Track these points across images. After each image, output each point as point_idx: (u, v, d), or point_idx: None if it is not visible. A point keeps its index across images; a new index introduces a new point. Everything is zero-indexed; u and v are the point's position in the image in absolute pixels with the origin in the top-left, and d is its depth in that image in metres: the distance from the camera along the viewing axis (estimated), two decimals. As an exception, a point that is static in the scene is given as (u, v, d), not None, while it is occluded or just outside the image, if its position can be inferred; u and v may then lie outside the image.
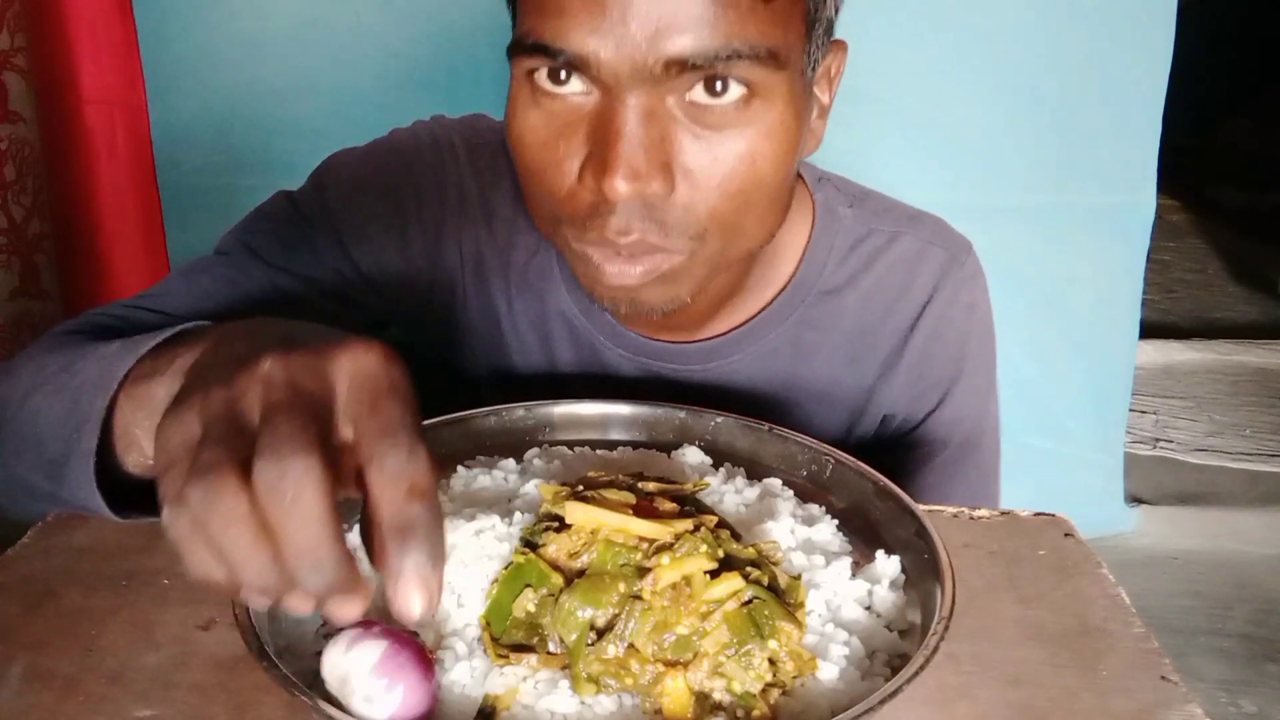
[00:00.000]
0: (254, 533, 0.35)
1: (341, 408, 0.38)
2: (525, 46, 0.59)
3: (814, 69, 0.64)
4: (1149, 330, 2.36)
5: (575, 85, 0.59)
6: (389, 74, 1.61)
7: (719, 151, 0.60)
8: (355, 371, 0.39)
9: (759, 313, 0.78)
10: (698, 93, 0.58)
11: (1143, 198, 1.72)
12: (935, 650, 0.44)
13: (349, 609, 0.37)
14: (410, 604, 0.36)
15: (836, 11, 0.64)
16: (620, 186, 0.57)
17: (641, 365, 0.79)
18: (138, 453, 0.50)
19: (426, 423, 0.64)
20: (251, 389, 0.38)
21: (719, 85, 0.58)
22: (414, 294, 0.80)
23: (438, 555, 0.36)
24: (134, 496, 0.52)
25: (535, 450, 0.65)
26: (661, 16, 0.55)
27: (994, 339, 0.85)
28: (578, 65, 0.57)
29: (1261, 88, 4.37)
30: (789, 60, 0.59)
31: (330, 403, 0.38)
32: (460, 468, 0.62)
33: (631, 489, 0.52)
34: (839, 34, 0.66)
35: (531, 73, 0.60)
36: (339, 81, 1.62)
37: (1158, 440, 2.50)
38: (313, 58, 1.61)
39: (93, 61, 1.62)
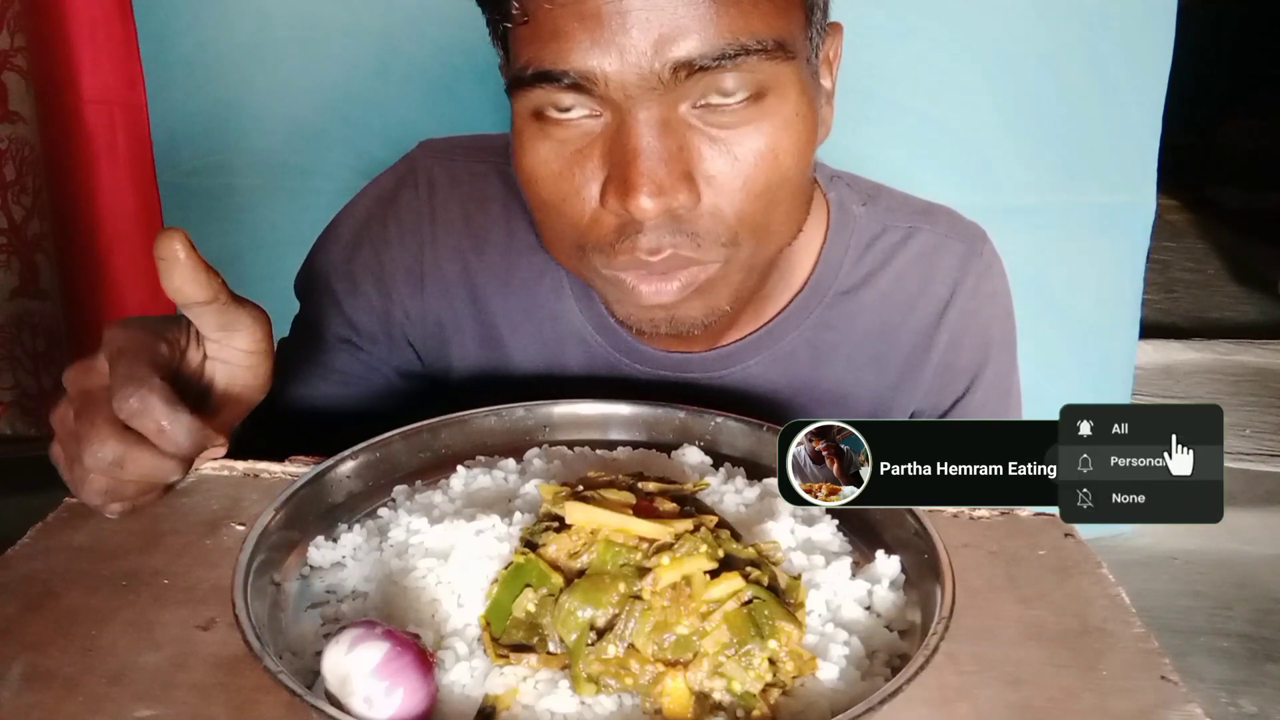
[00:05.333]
0: (131, 441, 0.56)
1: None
2: (526, 79, 0.58)
3: (816, 54, 0.63)
4: (1149, 330, 2.35)
5: (582, 109, 0.58)
6: (389, 74, 1.61)
7: (739, 152, 0.58)
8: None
9: (775, 316, 0.77)
10: (710, 95, 0.57)
11: (1143, 198, 1.72)
12: (935, 650, 0.44)
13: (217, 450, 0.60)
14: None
15: None
16: (646, 204, 0.56)
17: (660, 378, 0.78)
18: None
19: (427, 423, 0.64)
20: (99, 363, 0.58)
21: (730, 84, 0.56)
22: (416, 336, 0.81)
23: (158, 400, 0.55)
24: None
25: (535, 450, 0.65)
26: (663, 22, 0.54)
27: (1014, 320, 0.84)
28: (583, 86, 0.56)
29: (1261, 88, 4.38)
30: (796, 49, 0.58)
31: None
32: (460, 468, 0.62)
33: (631, 489, 0.52)
34: (833, 17, 0.65)
35: (537, 107, 0.59)
36: (339, 81, 1.62)
37: (1158, 440, 2.49)
38: (312, 58, 1.61)
39: (93, 61, 1.63)
